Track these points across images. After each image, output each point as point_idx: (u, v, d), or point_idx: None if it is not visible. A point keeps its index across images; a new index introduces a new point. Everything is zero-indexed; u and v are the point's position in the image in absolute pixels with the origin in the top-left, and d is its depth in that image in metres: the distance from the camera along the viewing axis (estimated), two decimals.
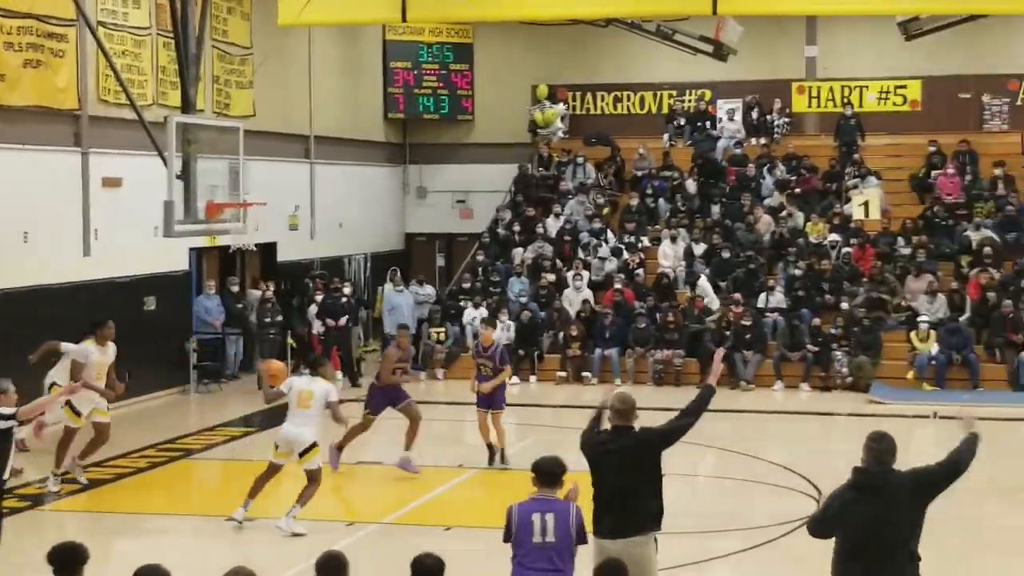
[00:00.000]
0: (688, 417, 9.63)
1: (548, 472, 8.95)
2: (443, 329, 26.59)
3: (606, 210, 30.22)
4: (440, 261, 33.55)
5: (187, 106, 19.84)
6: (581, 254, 28.49)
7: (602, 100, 32.96)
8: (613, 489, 9.39)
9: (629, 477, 9.35)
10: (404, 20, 21.53)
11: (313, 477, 14.24)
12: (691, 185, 30.46)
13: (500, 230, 30.24)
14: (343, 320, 25.56)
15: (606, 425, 9.64)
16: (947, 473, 8.33)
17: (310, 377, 14.81)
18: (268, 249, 26.87)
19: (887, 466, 8.23)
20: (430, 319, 26.89)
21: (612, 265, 28.09)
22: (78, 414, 15.85)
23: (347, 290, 26.62)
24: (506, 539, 8.75)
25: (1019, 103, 30.64)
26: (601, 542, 9.22)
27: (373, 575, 12.07)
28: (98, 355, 15.96)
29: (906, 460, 8.26)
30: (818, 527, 8.53)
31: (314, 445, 14.24)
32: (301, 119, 28.62)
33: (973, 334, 24.76)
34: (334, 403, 14.36)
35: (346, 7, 21.15)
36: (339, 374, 25.66)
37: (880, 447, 8.24)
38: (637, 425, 9.53)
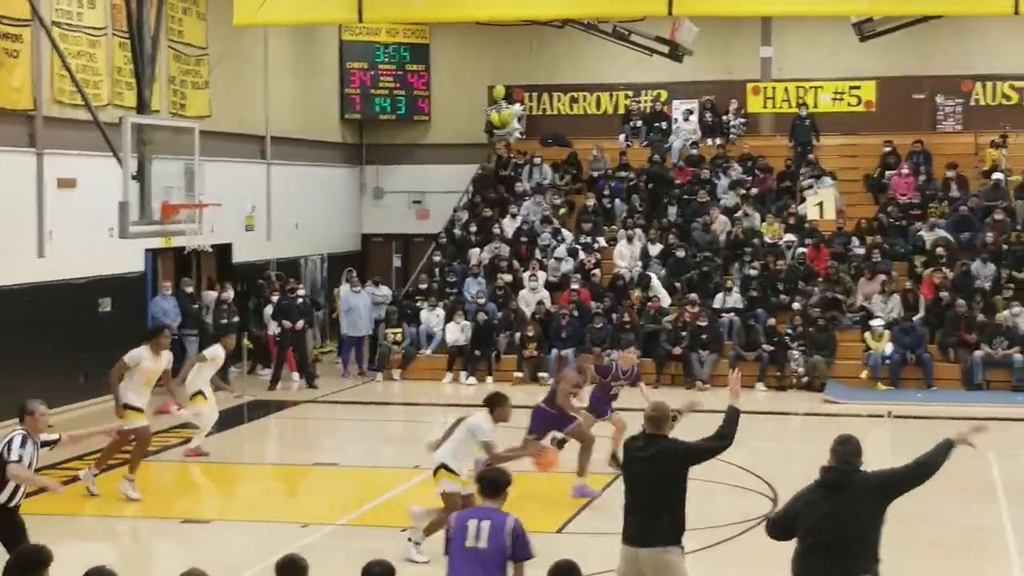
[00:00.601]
0: (721, 440, 9.58)
1: (491, 482, 8.97)
2: (400, 330, 26.56)
3: (563, 211, 30.28)
4: (396, 262, 33.46)
5: (142, 107, 19.79)
6: (538, 255, 28.54)
7: (558, 101, 32.99)
8: (636, 496, 9.50)
9: (652, 486, 9.42)
10: (360, 20, 21.51)
11: (443, 501, 12.84)
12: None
13: (456, 231, 30.23)
14: (299, 322, 25.49)
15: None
16: (913, 476, 8.59)
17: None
18: (224, 250, 26.78)
19: (853, 467, 8.48)
20: (387, 320, 26.87)
21: (568, 266, 28.14)
22: (141, 411, 15.94)
23: (302, 291, 26.58)
24: (446, 551, 8.72)
25: (972, 104, 30.86)
26: (624, 548, 9.36)
27: None
28: (150, 362, 16.04)
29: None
30: (776, 528, 8.71)
31: (441, 466, 12.77)
32: (257, 119, 28.53)
33: (927, 333, 24.97)
34: (487, 442, 12.74)
35: (302, 7, 21.08)
36: (295, 375, 25.67)
37: (846, 449, 8.53)
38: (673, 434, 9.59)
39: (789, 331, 25.15)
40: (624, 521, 9.45)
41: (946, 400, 22.96)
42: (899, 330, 24.76)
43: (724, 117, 31.72)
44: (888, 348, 24.56)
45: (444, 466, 12.72)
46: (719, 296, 26.46)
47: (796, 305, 25.89)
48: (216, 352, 18.68)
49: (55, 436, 11.39)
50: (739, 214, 28.94)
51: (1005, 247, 26.77)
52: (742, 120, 31.74)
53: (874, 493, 8.41)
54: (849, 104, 31.51)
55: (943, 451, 8.62)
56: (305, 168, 30.80)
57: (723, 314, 26.00)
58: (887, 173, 29.66)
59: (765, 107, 31.93)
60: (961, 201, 28.34)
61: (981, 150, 29.69)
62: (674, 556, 9.32)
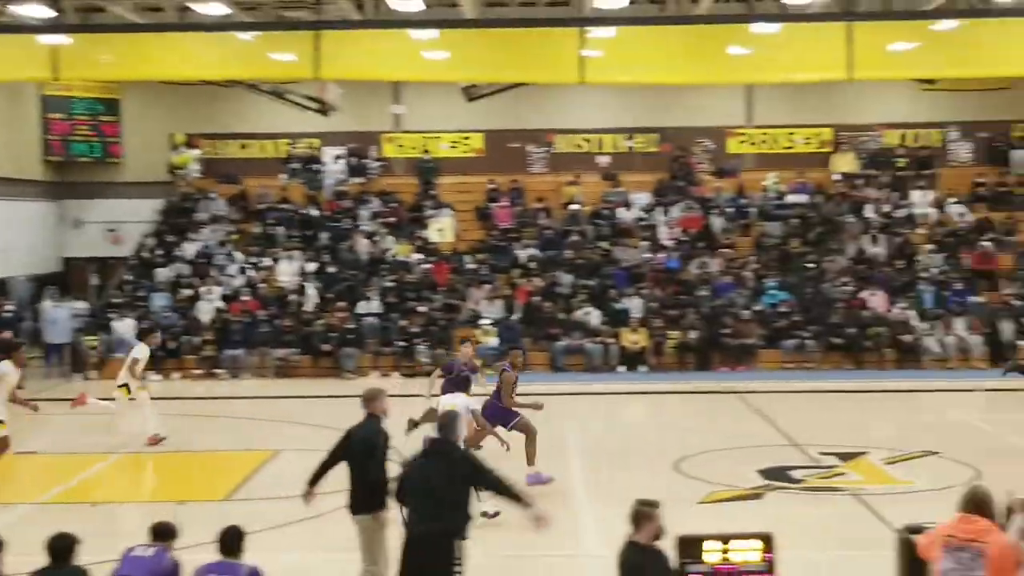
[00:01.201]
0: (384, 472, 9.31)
1: (158, 530, 8.35)
2: (96, 338, 25.36)
3: (235, 236, 29.60)
4: (94, 280, 31.92)
5: None
6: (214, 273, 27.80)
7: (230, 146, 32.25)
8: (349, 471, 9.42)
9: (354, 462, 9.32)
10: (56, 79, 20.42)
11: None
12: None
13: (145, 254, 29.12)
14: (8, 333, 23.96)
15: None
16: (489, 486, 8.61)
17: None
18: None
19: (452, 438, 8.63)
20: (85, 329, 25.63)
21: (240, 281, 27.54)
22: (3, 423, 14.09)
23: (10, 307, 25.07)
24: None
25: (553, 151, 31.87)
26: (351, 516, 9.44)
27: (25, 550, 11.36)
28: (13, 376, 14.16)
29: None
30: (398, 491, 8.67)
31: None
32: None
33: (522, 329, 25.70)
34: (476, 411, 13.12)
35: (2, 66, 19.86)
36: None
37: (446, 423, 8.70)
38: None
39: (417, 330, 25.41)
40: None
41: (538, 380, 23.61)
42: (502, 327, 25.41)
43: (365, 160, 31.71)
44: (494, 341, 25.17)
45: None
46: (362, 303, 26.47)
47: (422, 309, 26.18)
48: (140, 350, 17.30)
49: None
50: (377, 238, 29.02)
51: (580, 261, 27.85)
52: (379, 163, 31.81)
53: (464, 466, 8.48)
54: (463, 151, 32.02)
55: (514, 496, 8.53)
56: (12, 202, 28.99)
57: (365, 317, 26.04)
58: (492, 205, 30.37)
59: (398, 153, 32.11)
60: (547, 227, 29.32)
61: (561, 187, 30.77)
62: (372, 523, 9.32)
